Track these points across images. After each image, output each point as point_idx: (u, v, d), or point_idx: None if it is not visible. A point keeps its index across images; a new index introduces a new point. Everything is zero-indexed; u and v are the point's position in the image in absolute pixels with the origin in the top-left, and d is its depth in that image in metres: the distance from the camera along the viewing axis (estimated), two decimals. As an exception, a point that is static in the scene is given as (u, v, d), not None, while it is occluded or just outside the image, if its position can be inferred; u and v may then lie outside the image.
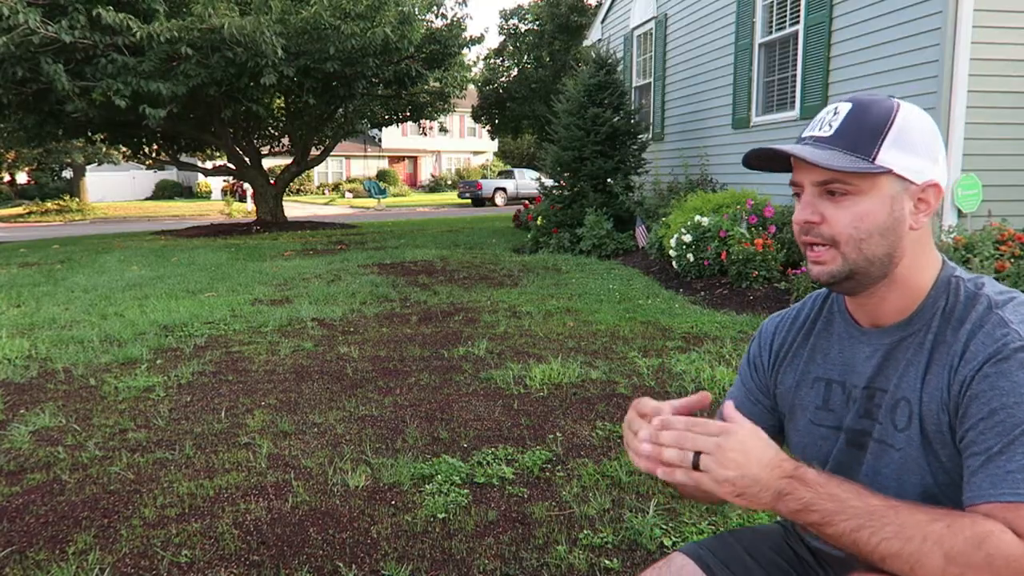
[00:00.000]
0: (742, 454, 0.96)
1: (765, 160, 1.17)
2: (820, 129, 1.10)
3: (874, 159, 1.06)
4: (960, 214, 5.91)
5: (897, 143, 1.07)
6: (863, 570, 1.02)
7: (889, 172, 1.07)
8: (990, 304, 1.06)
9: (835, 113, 1.10)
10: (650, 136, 11.58)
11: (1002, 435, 0.96)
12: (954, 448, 1.04)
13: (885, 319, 1.15)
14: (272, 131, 19.59)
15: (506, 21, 29.61)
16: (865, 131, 1.07)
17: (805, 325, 1.28)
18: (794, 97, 7.94)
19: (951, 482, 1.04)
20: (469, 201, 31.35)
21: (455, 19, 16.33)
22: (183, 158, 20.11)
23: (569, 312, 6.14)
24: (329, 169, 44.72)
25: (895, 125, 1.07)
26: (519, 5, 29.63)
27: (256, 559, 2.40)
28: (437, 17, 16.22)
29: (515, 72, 29.37)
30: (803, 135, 1.13)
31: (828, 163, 1.05)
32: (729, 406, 1.03)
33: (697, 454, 0.96)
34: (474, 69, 22.94)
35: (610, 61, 10.79)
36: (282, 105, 18.13)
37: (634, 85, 12.61)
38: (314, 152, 18.83)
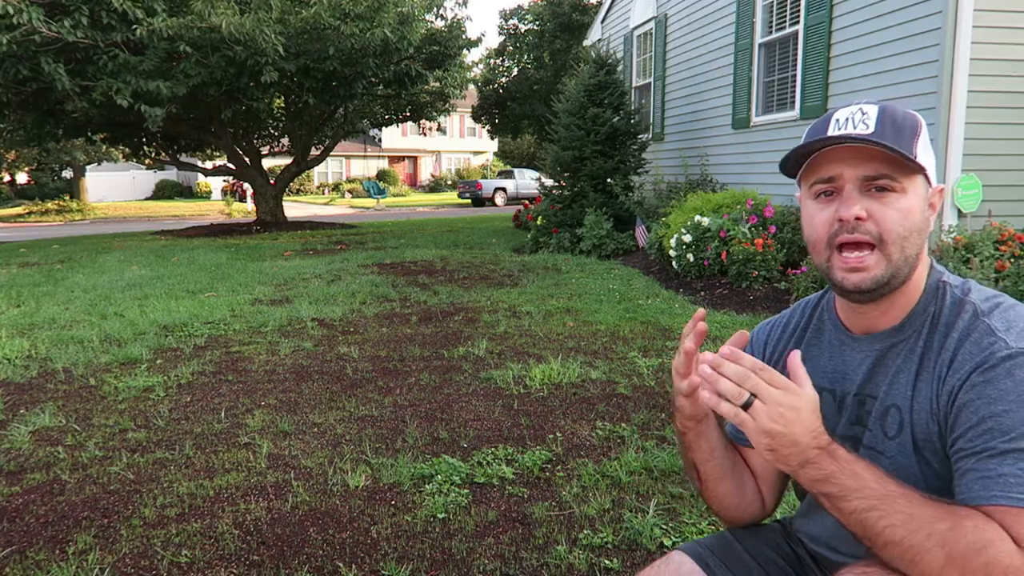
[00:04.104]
0: (794, 413, 0.97)
1: (797, 158, 1.12)
2: (855, 127, 1.06)
3: (914, 157, 1.06)
4: (960, 214, 5.91)
5: (923, 145, 1.08)
6: (857, 565, 1.03)
7: (923, 171, 1.08)
8: (976, 312, 1.06)
9: (863, 113, 1.07)
10: (650, 136, 11.58)
11: (991, 441, 0.96)
12: (944, 456, 1.04)
13: (879, 325, 1.14)
14: (272, 131, 19.59)
15: (506, 21, 29.61)
16: (902, 130, 1.07)
17: (796, 333, 1.28)
18: (794, 97, 7.94)
19: (943, 488, 1.04)
20: (469, 201, 31.33)
21: (455, 20, 16.33)
22: (183, 158, 20.10)
23: (569, 312, 6.14)
24: (329, 169, 44.72)
25: (922, 128, 1.09)
26: (519, 5, 29.65)
27: (256, 559, 2.40)
28: (437, 18, 16.22)
29: (515, 72, 29.37)
30: (832, 134, 1.08)
31: (902, 152, 1.03)
32: (795, 357, 1.01)
33: (752, 397, 0.97)
34: (474, 70, 22.93)
35: (610, 61, 10.79)
36: (282, 105, 18.13)
37: (634, 85, 12.61)
38: (314, 152, 18.82)
